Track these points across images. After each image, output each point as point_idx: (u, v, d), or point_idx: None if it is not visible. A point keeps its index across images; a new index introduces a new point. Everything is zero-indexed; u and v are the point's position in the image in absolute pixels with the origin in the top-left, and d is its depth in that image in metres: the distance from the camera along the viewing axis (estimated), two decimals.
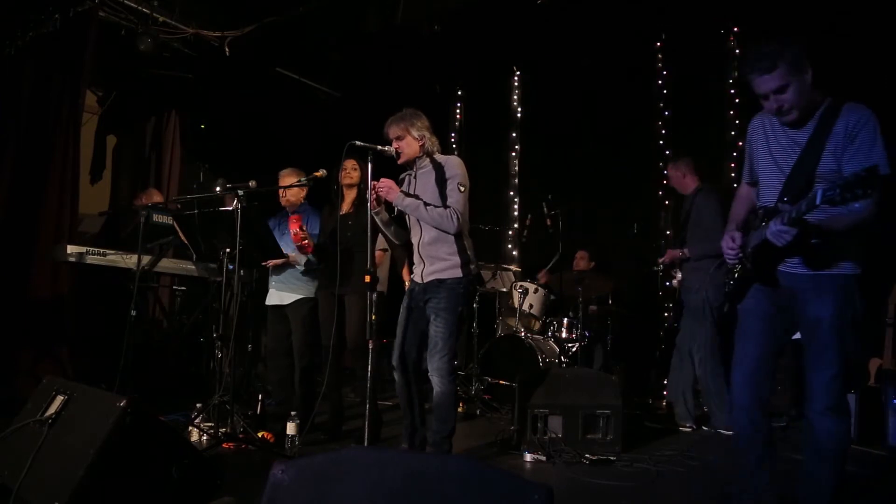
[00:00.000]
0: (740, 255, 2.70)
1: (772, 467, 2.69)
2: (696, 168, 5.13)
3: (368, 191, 3.46)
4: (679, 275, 5.15)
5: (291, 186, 4.55)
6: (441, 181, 3.52)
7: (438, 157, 3.64)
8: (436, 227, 3.52)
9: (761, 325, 2.68)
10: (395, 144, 3.58)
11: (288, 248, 4.49)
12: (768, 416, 2.69)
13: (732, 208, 2.90)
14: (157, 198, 5.99)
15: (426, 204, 3.50)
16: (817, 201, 2.24)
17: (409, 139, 3.59)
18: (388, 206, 3.62)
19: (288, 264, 4.56)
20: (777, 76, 2.42)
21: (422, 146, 3.60)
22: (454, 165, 3.55)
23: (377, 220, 3.58)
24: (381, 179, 3.51)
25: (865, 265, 2.56)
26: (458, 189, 3.47)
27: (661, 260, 5.24)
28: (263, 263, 4.55)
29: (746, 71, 2.49)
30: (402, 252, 5.66)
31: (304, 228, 4.24)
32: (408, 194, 3.57)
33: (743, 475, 2.72)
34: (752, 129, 2.75)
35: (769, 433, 2.70)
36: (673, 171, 5.24)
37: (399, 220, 3.74)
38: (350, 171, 4.42)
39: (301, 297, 4.53)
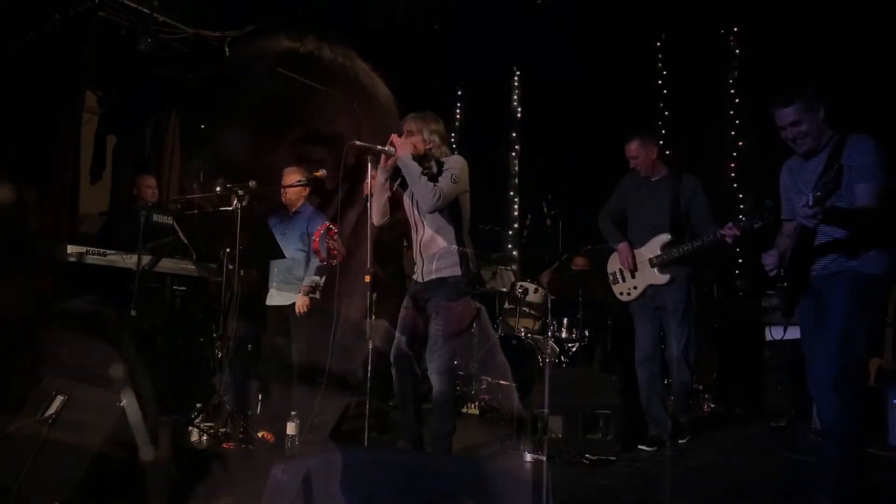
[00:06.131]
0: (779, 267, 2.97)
1: None
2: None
3: (367, 191, 3.49)
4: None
5: (291, 186, 4.56)
6: (439, 175, 3.53)
7: (443, 158, 3.64)
8: (420, 199, 3.53)
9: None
10: (405, 136, 3.61)
11: (289, 248, 4.50)
12: None
13: (778, 243, 3.12)
14: (150, 182, 5.92)
15: (422, 175, 3.51)
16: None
17: (419, 137, 3.62)
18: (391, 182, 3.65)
19: (289, 262, 4.58)
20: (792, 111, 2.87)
21: (428, 149, 3.61)
22: (453, 161, 3.59)
23: (380, 173, 3.58)
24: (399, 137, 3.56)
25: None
26: (451, 179, 3.50)
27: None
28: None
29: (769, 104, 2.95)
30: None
31: (337, 239, 4.30)
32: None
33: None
34: (782, 175, 3.18)
35: None
36: (644, 149, 4.45)
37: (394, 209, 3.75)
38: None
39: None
